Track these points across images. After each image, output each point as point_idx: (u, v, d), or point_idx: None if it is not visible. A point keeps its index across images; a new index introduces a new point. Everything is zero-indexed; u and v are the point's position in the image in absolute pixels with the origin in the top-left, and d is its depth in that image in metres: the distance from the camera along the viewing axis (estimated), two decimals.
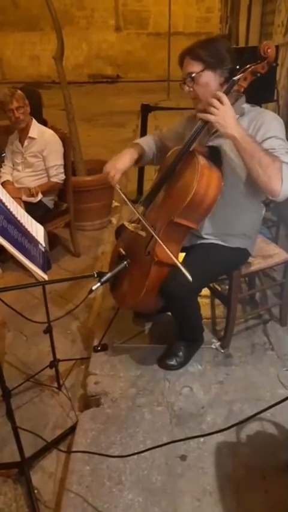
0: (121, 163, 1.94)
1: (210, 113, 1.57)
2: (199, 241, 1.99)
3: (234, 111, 1.60)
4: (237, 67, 1.66)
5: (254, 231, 2.03)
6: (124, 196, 1.93)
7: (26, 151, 3.06)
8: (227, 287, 2.17)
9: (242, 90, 1.66)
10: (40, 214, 2.82)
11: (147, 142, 2.10)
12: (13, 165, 3.18)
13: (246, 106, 1.78)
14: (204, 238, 1.98)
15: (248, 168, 1.63)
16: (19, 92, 2.92)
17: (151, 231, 1.75)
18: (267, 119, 1.72)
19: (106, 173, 1.94)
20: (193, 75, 1.70)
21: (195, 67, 1.70)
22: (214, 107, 1.56)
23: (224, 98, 1.56)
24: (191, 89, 1.74)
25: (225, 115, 1.56)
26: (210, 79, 1.71)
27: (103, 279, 1.71)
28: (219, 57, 1.68)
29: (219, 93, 1.58)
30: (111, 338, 2.29)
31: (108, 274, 1.75)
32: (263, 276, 2.63)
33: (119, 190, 1.94)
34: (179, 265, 1.66)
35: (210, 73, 1.70)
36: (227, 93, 1.62)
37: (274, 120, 1.73)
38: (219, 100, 1.56)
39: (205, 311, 2.51)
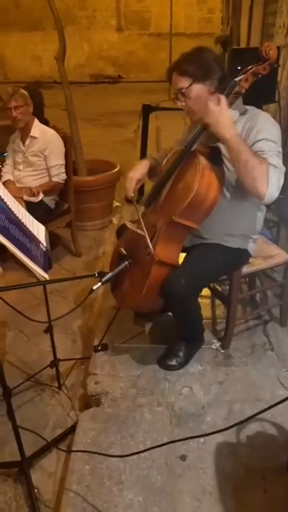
0: (135, 172, 2.04)
1: (205, 114, 1.60)
2: (200, 242, 1.99)
3: (233, 112, 1.61)
4: (239, 68, 1.66)
5: (255, 231, 2.04)
6: (136, 208, 1.98)
7: (28, 150, 3.06)
8: (228, 287, 2.17)
9: (244, 91, 1.66)
10: (41, 214, 2.82)
11: (160, 154, 2.14)
12: (14, 164, 3.18)
13: (242, 107, 1.79)
14: (204, 239, 1.98)
15: (235, 169, 1.64)
16: (21, 91, 2.92)
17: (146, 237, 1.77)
18: (261, 121, 1.72)
19: (126, 187, 2.03)
20: (183, 90, 1.73)
21: (183, 82, 1.73)
22: (210, 108, 1.58)
23: (222, 100, 1.58)
24: (183, 103, 1.77)
25: (219, 115, 1.57)
26: (200, 91, 1.73)
27: (104, 279, 1.72)
28: (206, 68, 1.71)
29: (219, 95, 1.59)
30: (112, 338, 2.30)
31: (109, 274, 1.76)
32: (264, 276, 2.63)
33: (134, 201, 2.01)
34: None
35: (200, 85, 1.73)
36: (228, 94, 1.63)
37: (267, 122, 1.73)
38: (218, 101, 1.58)
39: (205, 311, 2.51)
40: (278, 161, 1.61)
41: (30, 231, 1.64)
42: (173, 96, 1.81)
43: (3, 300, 1.73)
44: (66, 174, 3.12)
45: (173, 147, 2.11)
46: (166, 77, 1.81)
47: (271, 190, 1.57)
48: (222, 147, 1.78)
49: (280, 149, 1.67)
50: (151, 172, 2.09)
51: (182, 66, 1.73)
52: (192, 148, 1.77)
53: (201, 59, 1.72)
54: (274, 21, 4.76)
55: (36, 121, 3.07)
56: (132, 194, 2.02)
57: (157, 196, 1.95)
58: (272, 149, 1.63)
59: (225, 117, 1.58)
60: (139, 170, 2.05)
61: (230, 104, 1.68)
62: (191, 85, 1.72)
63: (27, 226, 1.65)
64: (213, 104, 1.58)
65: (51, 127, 3.17)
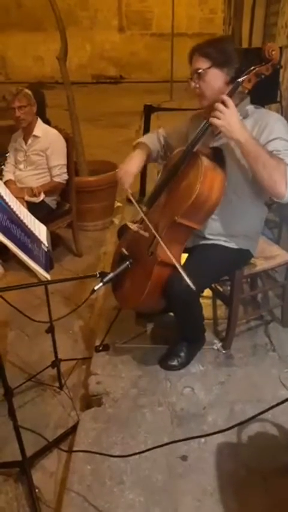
0: (132, 167, 1.99)
1: (216, 117, 1.58)
2: (201, 242, 1.99)
3: (239, 113, 1.61)
4: (242, 68, 1.67)
5: (256, 232, 2.04)
6: (134, 202, 1.98)
7: (29, 149, 3.06)
8: (229, 288, 2.17)
9: (247, 91, 1.66)
10: (43, 214, 2.81)
11: (152, 140, 2.11)
12: (15, 163, 3.18)
13: (250, 107, 1.79)
14: (206, 239, 1.98)
15: (253, 172, 1.63)
16: (25, 91, 2.93)
17: (154, 232, 1.76)
18: (272, 120, 1.72)
19: (119, 179, 1.98)
20: (200, 71, 1.72)
21: (202, 63, 1.71)
22: (219, 110, 1.57)
23: (229, 102, 1.57)
24: (197, 85, 1.75)
25: (231, 119, 1.57)
26: (216, 76, 1.71)
27: (105, 279, 1.72)
28: (227, 55, 1.70)
29: (224, 97, 1.58)
30: (113, 338, 2.30)
31: (111, 275, 1.76)
32: (265, 277, 2.62)
33: (130, 196, 1.98)
34: (181, 270, 1.67)
35: (217, 71, 1.71)
36: (231, 94, 1.63)
37: (278, 121, 1.73)
38: (224, 103, 1.57)
39: (207, 312, 2.51)
40: None
41: (31, 231, 1.64)
42: (188, 77, 1.78)
43: (4, 300, 1.73)
44: (68, 175, 3.12)
45: (168, 131, 2.10)
46: (188, 56, 1.79)
47: None
48: (226, 147, 1.78)
49: None
50: (148, 158, 2.06)
51: (204, 48, 1.72)
52: (195, 149, 1.77)
53: (224, 46, 1.71)
54: (276, 22, 4.76)
55: (39, 121, 3.07)
56: (129, 190, 1.99)
57: (159, 196, 1.95)
58: (287, 148, 1.64)
59: (236, 120, 1.58)
60: (135, 165, 2.00)
61: (236, 105, 1.69)
62: (209, 68, 1.70)
63: (29, 226, 1.65)
64: (222, 107, 1.57)
65: (53, 127, 3.18)
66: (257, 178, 1.64)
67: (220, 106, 1.57)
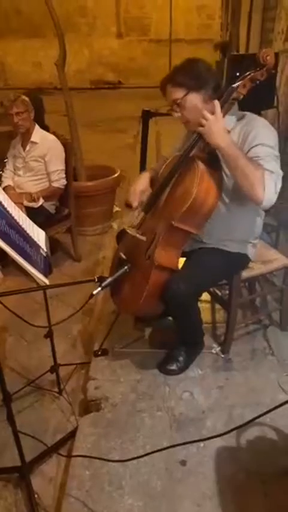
0: (137, 185, 2.06)
1: (201, 123, 1.61)
2: (199, 246, 2.00)
3: (230, 118, 1.62)
4: (237, 74, 1.68)
5: (254, 236, 2.04)
6: (136, 214, 2.03)
7: (28, 155, 3.08)
8: (227, 292, 2.17)
9: (241, 97, 1.68)
10: (41, 220, 2.81)
11: (160, 164, 2.13)
12: (14, 170, 3.19)
13: (239, 113, 1.80)
14: (204, 243, 1.99)
15: (233, 177, 1.66)
16: (22, 97, 2.95)
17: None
18: (257, 126, 1.73)
19: (129, 202, 2.05)
20: (178, 101, 1.74)
21: (178, 93, 1.74)
22: (205, 118, 1.60)
23: (217, 108, 1.60)
24: (179, 114, 1.78)
25: (212, 125, 1.59)
26: (195, 100, 1.74)
27: (104, 284, 1.72)
28: (200, 78, 1.72)
29: (215, 102, 1.61)
30: (112, 343, 2.30)
31: (109, 279, 1.76)
32: (263, 281, 2.63)
33: (136, 213, 2.05)
34: None
35: (194, 94, 1.73)
36: (225, 100, 1.65)
37: (263, 127, 1.74)
38: (211, 111, 1.60)
39: (205, 316, 2.51)
40: (274, 166, 1.63)
41: (30, 237, 1.65)
42: (168, 108, 1.82)
43: (3, 305, 1.73)
44: (67, 180, 3.13)
45: (171, 154, 2.12)
46: (160, 90, 1.81)
47: (268, 195, 1.58)
48: (219, 152, 1.79)
49: (277, 153, 1.68)
50: (152, 182, 2.10)
51: (175, 78, 1.74)
52: (191, 154, 1.78)
53: (194, 70, 1.73)
54: (273, 27, 4.79)
55: (36, 127, 3.09)
56: (137, 204, 2.04)
57: (156, 201, 1.96)
58: (268, 154, 1.65)
59: (218, 125, 1.60)
60: (142, 182, 2.07)
61: (226, 111, 1.70)
62: (185, 95, 1.72)
63: (27, 231, 1.66)
64: (207, 113, 1.60)
65: (51, 133, 3.19)
66: (236, 184, 1.67)
67: (206, 113, 1.60)
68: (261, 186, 1.58)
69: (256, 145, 1.67)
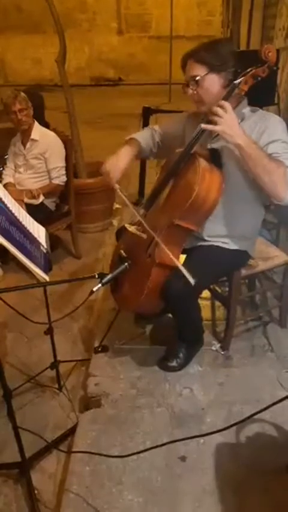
0: (120, 162, 1.94)
1: (215, 122, 1.57)
2: (199, 243, 2.00)
3: (238, 114, 1.61)
4: (238, 70, 1.67)
5: (254, 233, 2.04)
6: (124, 197, 1.93)
7: (28, 153, 3.07)
8: (227, 289, 2.17)
9: (243, 93, 1.67)
10: (42, 216, 2.82)
11: (145, 137, 2.06)
12: (15, 167, 3.19)
13: (247, 109, 1.78)
14: (204, 240, 1.99)
15: (253, 175, 1.63)
16: (22, 94, 2.94)
17: (152, 233, 1.77)
18: (271, 122, 1.72)
19: (106, 173, 1.93)
20: (197, 78, 1.69)
21: (199, 70, 1.69)
22: (218, 115, 1.55)
23: (227, 106, 1.56)
24: (195, 92, 1.73)
25: (231, 124, 1.56)
26: (214, 82, 1.70)
27: (104, 280, 1.72)
28: (223, 59, 1.67)
29: (222, 102, 1.57)
30: (112, 339, 2.30)
31: (109, 276, 1.76)
32: (263, 278, 2.63)
33: (119, 191, 1.93)
34: (182, 268, 1.66)
35: (215, 76, 1.69)
36: (227, 97, 1.64)
37: (278, 123, 1.73)
38: (222, 108, 1.56)
39: (205, 313, 2.51)
40: None
41: (30, 233, 1.65)
42: (184, 82, 1.76)
43: (3, 301, 1.74)
44: (67, 177, 3.13)
45: (165, 129, 2.07)
46: (181, 63, 1.75)
47: None
48: (223, 149, 1.79)
49: None
50: (139, 155, 2.03)
51: (199, 54, 1.69)
52: (192, 151, 1.78)
53: (220, 50, 1.68)
54: (274, 24, 4.78)
55: (36, 123, 3.08)
56: (117, 185, 1.94)
57: (157, 198, 1.95)
58: (286, 151, 1.64)
59: (236, 124, 1.57)
60: (124, 160, 1.95)
61: (233, 107, 1.69)
62: (206, 74, 1.68)
63: (28, 228, 1.66)
64: (222, 111, 1.55)
65: (51, 130, 3.19)
66: (258, 182, 1.64)
67: (219, 111, 1.55)
68: (283, 184, 1.57)
69: (273, 142, 1.66)
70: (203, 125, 1.62)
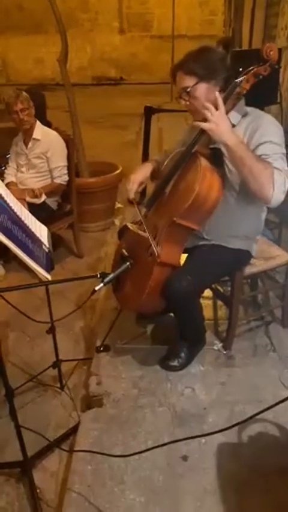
0: (137, 175, 2.03)
1: (205, 117, 1.57)
2: (201, 243, 2.00)
3: (236, 113, 1.60)
4: (240, 69, 1.66)
5: (256, 232, 2.04)
6: (138, 210, 2.00)
7: (30, 152, 3.08)
8: (230, 288, 2.17)
9: (244, 92, 1.66)
10: (44, 216, 2.81)
11: (162, 155, 2.13)
12: (17, 167, 3.20)
13: (245, 109, 1.78)
14: (206, 240, 1.99)
15: (240, 175, 1.64)
16: (24, 93, 2.94)
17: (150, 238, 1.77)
18: (264, 123, 1.72)
19: (128, 189, 2.02)
20: (188, 89, 1.71)
21: (189, 81, 1.70)
22: (210, 113, 1.56)
23: (219, 103, 1.56)
24: (188, 103, 1.75)
25: (218, 121, 1.56)
26: (205, 90, 1.71)
27: (106, 280, 1.72)
28: (212, 68, 1.69)
29: (216, 96, 1.58)
30: (114, 339, 2.30)
31: (111, 275, 1.76)
32: (265, 277, 2.63)
33: (135, 203, 2.02)
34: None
35: (205, 84, 1.70)
36: (228, 95, 1.63)
37: (271, 124, 1.73)
38: (214, 104, 1.56)
39: (207, 312, 2.51)
40: (282, 164, 1.62)
41: (32, 232, 1.65)
42: (176, 95, 1.78)
43: (5, 300, 1.74)
44: (69, 176, 3.13)
45: (174, 148, 2.11)
46: (170, 75, 1.78)
47: (277, 194, 1.58)
48: (223, 148, 1.79)
49: (284, 151, 1.67)
50: (154, 174, 2.09)
51: (187, 65, 1.70)
52: (193, 150, 1.77)
53: (208, 59, 1.69)
54: (276, 23, 4.78)
55: (38, 123, 3.08)
56: (134, 196, 2.02)
57: (158, 197, 1.95)
58: (276, 152, 1.64)
59: (225, 122, 1.57)
60: (141, 173, 2.05)
61: (233, 106, 1.69)
62: (196, 84, 1.69)
63: (30, 227, 1.66)
64: (213, 109, 1.56)
65: (53, 129, 3.19)
66: (244, 182, 1.65)
67: (211, 108, 1.56)
68: (270, 185, 1.57)
69: (264, 143, 1.65)
70: (194, 122, 1.62)
